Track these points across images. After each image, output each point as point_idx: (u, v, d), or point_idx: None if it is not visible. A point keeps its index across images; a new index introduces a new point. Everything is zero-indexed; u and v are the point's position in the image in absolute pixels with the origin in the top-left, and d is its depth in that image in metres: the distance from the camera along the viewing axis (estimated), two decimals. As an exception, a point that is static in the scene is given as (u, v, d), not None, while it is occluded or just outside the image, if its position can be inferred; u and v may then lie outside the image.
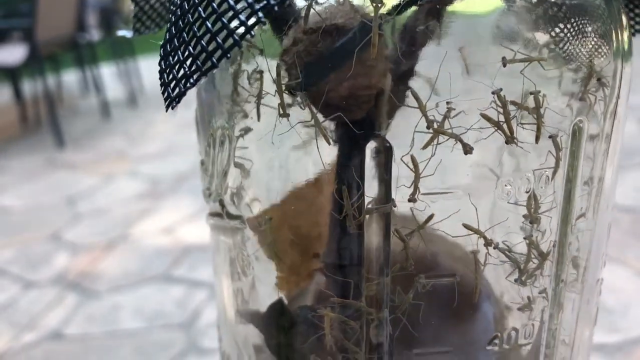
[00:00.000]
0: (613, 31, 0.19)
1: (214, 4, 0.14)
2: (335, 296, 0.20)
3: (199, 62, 0.14)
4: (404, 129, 0.18)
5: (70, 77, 2.66)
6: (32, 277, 0.96)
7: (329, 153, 0.19)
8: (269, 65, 0.18)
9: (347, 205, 0.18)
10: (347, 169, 0.19)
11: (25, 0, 1.97)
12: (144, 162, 1.54)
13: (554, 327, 0.22)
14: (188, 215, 1.13)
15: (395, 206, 0.18)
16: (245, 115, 0.20)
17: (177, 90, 0.14)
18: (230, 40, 0.14)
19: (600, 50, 0.19)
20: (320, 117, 0.18)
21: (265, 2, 0.14)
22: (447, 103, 0.17)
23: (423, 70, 0.18)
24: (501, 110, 0.17)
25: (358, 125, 0.18)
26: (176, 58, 0.15)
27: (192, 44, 0.14)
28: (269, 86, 0.18)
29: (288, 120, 0.18)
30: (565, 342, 0.23)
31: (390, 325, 0.20)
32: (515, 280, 0.20)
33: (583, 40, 0.18)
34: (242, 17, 0.13)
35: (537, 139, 0.18)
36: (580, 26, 0.18)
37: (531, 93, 0.17)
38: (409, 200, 0.18)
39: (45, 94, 1.83)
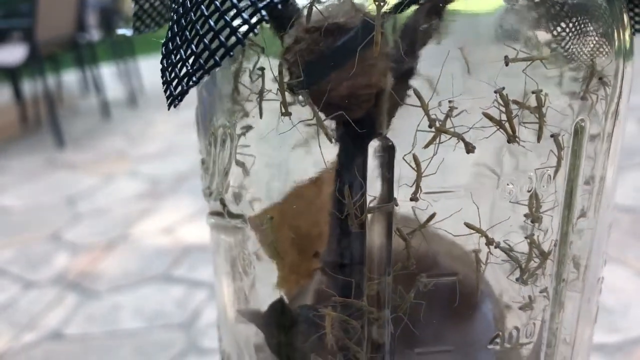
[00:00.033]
0: (615, 30, 0.19)
1: (216, 2, 0.14)
2: (337, 295, 0.20)
3: (201, 61, 0.14)
4: (405, 128, 0.18)
5: (70, 77, 2.66)
6: (32, 277, 0.96)
7: (329, 152, 0.19)
8: (270, 64, 0.18)
9: (349, 204, 0.18)
10: (349, 168, 0.19)
11: (25, 0, 1.97)
12: (144, 162, 1.54)
13: (555, 326, 0.22)
14: (188, 215, 1.13)
15: (397, 205, 0.18)
16: (246, 114, 0.20)
17: (179, 88, 0.14)
18: (233, 39, 0.14)
19: (601, 49, 0.19)
20: (321, 116, 0.18)
21: (268, 0, 0.14)
22: (449, 102, 0.17)
23: (424, 70, 0.18)
24: (503, 109, 0.17)
25: (359, 124, 0.18)
26: (178, 56, 0.14)
27: (195, 42, 0.14)
28: (270, 85, 0.18)
29: (290, 119, 0.18)
30: (566, 341, 0.23)
31: (391, 325, 0.20)
32: (517, 280, 0.20)
33: (585, 39, 0.18)
34: (245, 15, 0.13)
35: (539, 138, 0.18)
36: (582, 25, 0.18)
37: (533, 92, 0.17)
38: (411, 199, 0.18)
39: (45, 94, 1.83)
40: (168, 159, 1.54)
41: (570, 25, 0.18)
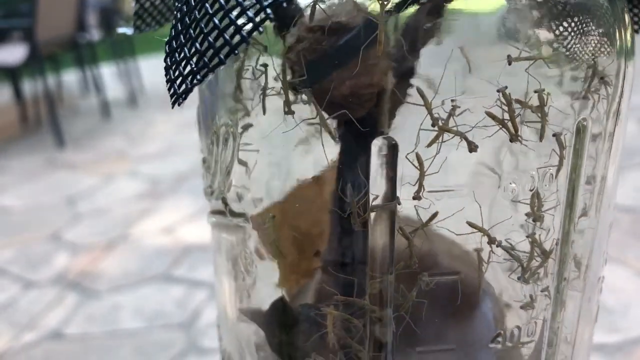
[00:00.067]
0: (616, 30, 0.19)
1: (221, 0, 0.14)
2: (339, 294, 0.20)
3: (206, 59, 0.14)
4: (407, 127, 0.18)
5: (71, 77, 2.66)
6: (32, 277, 0.96)
7: (331, 151, 0.19)
8: (274, 63, 0.18)
9: (352, 202, 0.18)
10: (351, 167, 0.19)
11: (26, 0, 1.97)
12: (144, 162, 1.54)
13: (556, 325, 0.22)
14: (188, 215, 1.13)
15: (399, 204, 0.18)
16: (247, 114, 0.20)
17: (183, 86, 0.14)
18: (238, 37, 0.14)
19: (603, 49, 0.19)
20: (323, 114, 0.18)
21: (273, -2, 0.14)
22: (452, 101, 0.17)
23: (426, 69, 0.18)
24: (506, 108, 0.17)
25: (360, 124, 0.18)
26: (182, 54, 0.15)
27: (199, 40, 0.14)
28: (273, 83, 0.18)
29: (293, 118, 0.18)
30: (567, 340, 0.23)
31: (393, 323, 0.20)
32: (518, 278, 0.20)
33: (586, 39, 0.18)
34: (250, 13, 0.13)
35: (541, 137, 0.18)
36: (584, 25, 0.18)
37: (535, 91, 0.17)
38: (414, 198, 0.18)
39: (46, 94, 1.83)
40: (168, 158, 1.54)
41: (572, 24, 0.18)
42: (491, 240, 0.19)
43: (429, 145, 0.17)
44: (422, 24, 0.17)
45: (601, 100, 0.19)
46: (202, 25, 0.14)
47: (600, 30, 0.19)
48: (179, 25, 0.15)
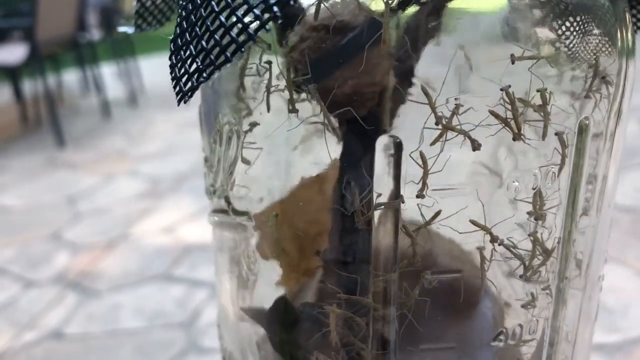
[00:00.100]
0: (618, 30, 0.19)
1: (227, -2, 0.14)
2: (341, 292, 0.20)
3: (212, 57, 0.14)
4: (410, 126, 0.18)
5: (71, 77, 2.66)
6: (33, 276, 0.96)
7: (333, 150, 0.19)
8: (277, 61, 0.18)
9: (355, 201, 0.18)
10: (354, 166, 0.19)
11: (26, 0, 1.97)
12: (144, 162, 1.54)
13: (557, 324, 0.22)
14: (188, 215, 1.13)
15: (403, 202, 0.18)
16: (250, 113, 0.20)
17: (189, 84, 0.15)
18: (245, 35, 0.14)
19: (604, 48, 0.19)
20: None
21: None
22: (455, 99, 0.17)
23: (428, 68, 0.18)
24: (509, 107, 0.17)
25: (362, 122, 0.18)
26: (188, 52, 0.15)
27: (205, 38, 0.14)
28: (276, 81, 0.18)
29: (297, 116, 0.18)
30: (567, 338, 0.23)
31: (396, 322, 0.20)
32: (520, 277, 0.20)
33: (588, 38, 0.18)
34: (257, 11, 0.13)
35: (544, 136, 0.18)
36: (585, 24, 0.18)
37: (538, 90, 0.17)
38: (417, 196, 0.18)
39: (46, 94, 1.83)
40: (168, 158, 1.54)
41: (574, 24, 0.18)
42: (494, 239, 0.19)
43: (433, 143, 0.17)
44: (424, 23, 0.18)
45: (602, 100, 0.19)
46: (209, 23, 0.14)
47: (602, 30, 0.19)
48: (184, 23, 0.15)
